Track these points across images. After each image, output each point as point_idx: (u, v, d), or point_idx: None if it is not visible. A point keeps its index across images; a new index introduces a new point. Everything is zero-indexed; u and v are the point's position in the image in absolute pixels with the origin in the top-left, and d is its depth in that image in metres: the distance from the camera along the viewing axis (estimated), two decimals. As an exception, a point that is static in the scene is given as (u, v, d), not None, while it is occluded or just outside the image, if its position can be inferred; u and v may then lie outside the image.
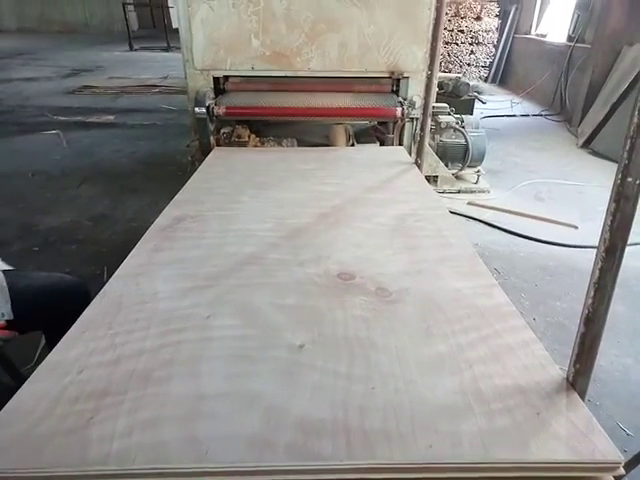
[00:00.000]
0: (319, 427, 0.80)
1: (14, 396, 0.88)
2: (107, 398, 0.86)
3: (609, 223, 0.78)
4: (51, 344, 1.02)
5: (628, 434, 1.75)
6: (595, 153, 5.11)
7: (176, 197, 1.77)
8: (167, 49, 13.40)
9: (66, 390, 0.89)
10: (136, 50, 13.58)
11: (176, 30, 3.03)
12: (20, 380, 1.27)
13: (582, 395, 0.87)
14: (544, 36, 8.22)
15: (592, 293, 0.82)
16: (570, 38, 7.01)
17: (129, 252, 1.38)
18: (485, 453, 0.75)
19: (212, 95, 2.85)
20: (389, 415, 0.83)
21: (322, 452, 0.76)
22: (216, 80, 2.92)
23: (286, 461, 0.75)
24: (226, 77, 2.97)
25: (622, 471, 0.74)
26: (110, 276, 1.26)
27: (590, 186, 4.15)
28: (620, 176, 0.75)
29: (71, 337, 1.03)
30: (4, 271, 1.53)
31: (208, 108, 2.70)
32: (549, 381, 0.91)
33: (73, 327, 1.06)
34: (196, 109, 2.71)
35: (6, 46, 13.91)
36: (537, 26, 8.56)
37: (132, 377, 0.91)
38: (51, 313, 1.19)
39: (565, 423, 0.81)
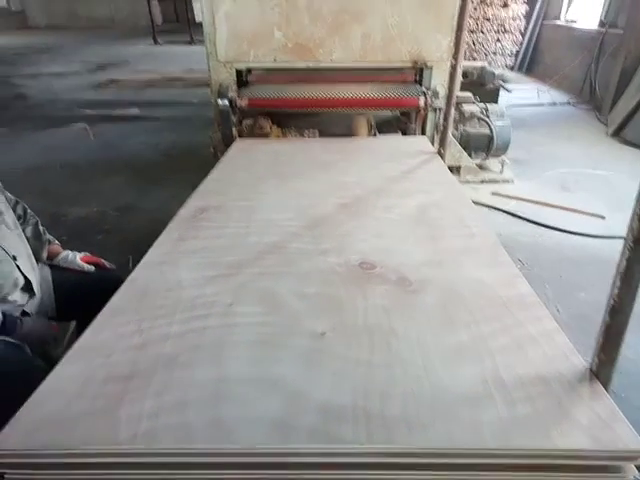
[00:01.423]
0: (340, 412, 0.82)
1: (47, 378, 0.92)
2: (135, 381, 0.90)
3: (638, 212, 0.76)
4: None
5: (655, 428, 1.71)
6: (626, 142, 4.94)
7: (199, 188, 1.80)
8: (191, 42, 13.49)
9: (96, 373, 0.92)
10: (160, 44, 13.72)
11: (200, 24, 3.06)
12: (51, 363, 1.32)
13: (606, 385, 0.86)
14: (574, 22, 7.96)
15: (618, 283, 0.81)
16: (602, 23, 6.77)
17: (154, 241, 1.41)
18: (506, 441, 0.76)
19: (235, 87, 2.88)
20: (409, 402, 0.84)
21: (343, 436, 0.77)
22: (239, 72, 2.94)
23: (307, 444, 0.76)
24: (249, 69, 2.99)
25: (645, 461, 0.73)
26: (135, 265, 1.29)
27: (619, 176, 4.03)
28: (649, 163, 0.73)
29: (100, 323, 1.07)
30: (50, 265, 1.60)
31: (231, 100, 2.73)
32: (572, 371, 0.90)
33: (101, 313, 1.10)
34: (219, 101, 2.73)
35: (36, 42, 14.24)
36: (567, 11, 8.29)
37: (158, 361, 0.94)
38: (87, 305, 1.25)
39: (587, 412, 0.80)
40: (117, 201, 3.66)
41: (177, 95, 7.35)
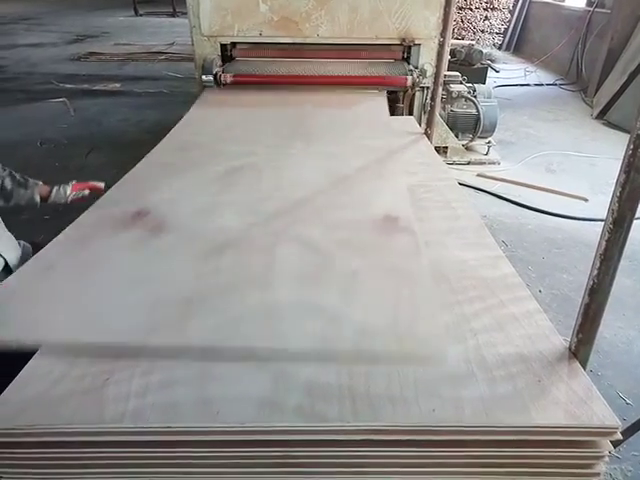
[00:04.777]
0: (326, 391, 0.83)
1: (32, 358, 0.91)
2: (122, 361, 0.90)
3: (618, 194, 0.77)
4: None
5: (628, 403, 1.78)
6: (610, 124, 4.99)
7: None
8: (173, 14, 13.06)
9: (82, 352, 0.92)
10: (141, 15, 13.27)
11: (182, -6, 2.96)
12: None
13: (583, 364, 0.89)
14: (562, 0, 7.92)
15: (598, 264, 0.83)
16: (590, 2, 6.74)
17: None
18: (486, 417, 0.78)
19: (219, 62, 2.81)
20: (394, 381, 0.85)
21: (329, 414, 0.79)
22: (223, 47, 2.87)
23: (294, 422, 0.78)
24: (233, 44, 2.92)
25: (619, 436, 0.76)
26: None
27: (603, 158, 4.07)
28: (632, 147, 0.74)
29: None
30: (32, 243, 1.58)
31: (215, 76, 2.66)
32: (552, 350, 0.92)
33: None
34: (203, 77, 2.67)
35: (10, 12, 13.65)
36: (555, -10, 8.23)
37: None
38: None
39: (565, 390, 0.83)
40: (100, 179, 3.55)
41: (160, 69, 7.15)
